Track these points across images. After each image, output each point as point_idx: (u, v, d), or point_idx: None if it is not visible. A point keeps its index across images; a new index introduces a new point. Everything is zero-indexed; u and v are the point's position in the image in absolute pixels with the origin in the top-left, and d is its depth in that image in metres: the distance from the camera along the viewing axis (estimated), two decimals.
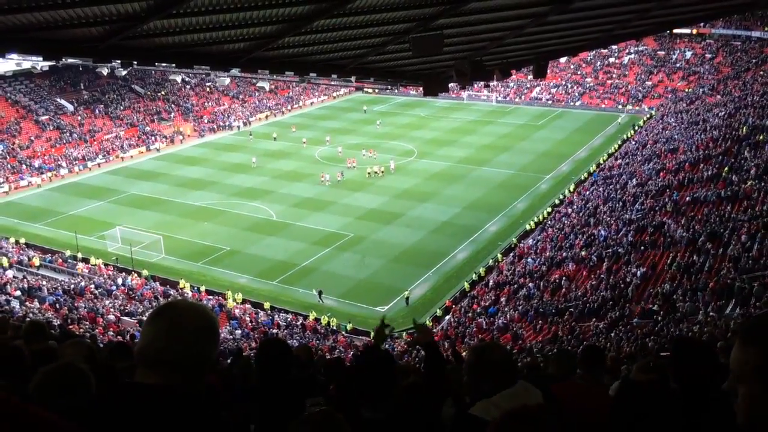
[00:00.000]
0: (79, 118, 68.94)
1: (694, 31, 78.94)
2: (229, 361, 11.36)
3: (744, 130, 44.05)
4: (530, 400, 2.89)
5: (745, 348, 1.60)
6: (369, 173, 53.27)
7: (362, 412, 3.37)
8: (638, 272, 29.63)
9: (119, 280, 36.24)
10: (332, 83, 74.27)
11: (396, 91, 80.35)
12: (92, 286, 34.73)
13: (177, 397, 1.83)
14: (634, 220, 36.23)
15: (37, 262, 38.64)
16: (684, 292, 25.66)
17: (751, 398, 1.55)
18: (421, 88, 17.26)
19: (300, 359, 5.88)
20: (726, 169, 38.14)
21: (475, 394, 3.23)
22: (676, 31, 75.00)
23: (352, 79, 17.40)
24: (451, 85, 17.52)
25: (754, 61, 69.84)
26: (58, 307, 30.80)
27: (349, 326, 32.26)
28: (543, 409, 1.78)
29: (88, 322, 28.39)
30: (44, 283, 34.57)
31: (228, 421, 2.05)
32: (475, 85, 67.12)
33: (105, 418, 1.80)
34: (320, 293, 35.02)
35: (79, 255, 39.73)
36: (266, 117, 78.16)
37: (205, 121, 74.09)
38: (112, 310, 31.37)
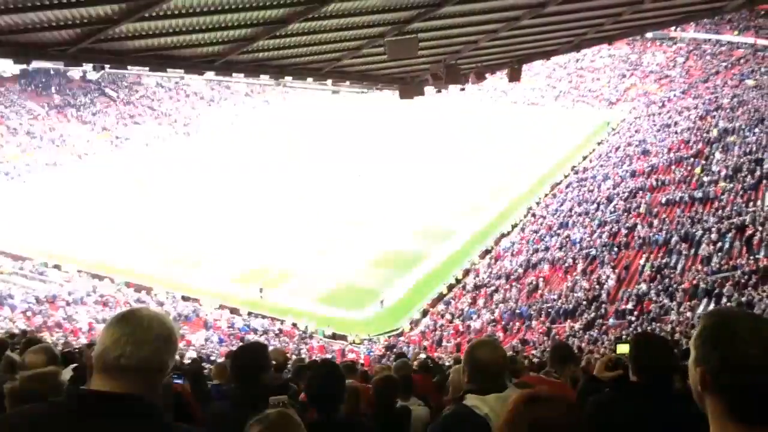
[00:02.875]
0: (51, 122, 67.91)
1: (666, 35, 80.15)
2: (207, 368, 11.28)
3: (715, 132, 44.85)
4: None
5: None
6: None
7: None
8: (612, 273, 30.01)
9: (90, 287, 35.73)
10: (308, 87, 74.02)
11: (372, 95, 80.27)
12: (65, 293, 34.20)
13: (134, 405, 1.82)
14: (608, 221, 36.66)
15: (8, 268, 37.94)
16: (657, 292, 26.03)
17: None
18: (396, 92, 17.29)
19: (276, 364, 5.85)
20: (698, 170, 38.79)
21: (468, 389, 3.29)
22: (647, 35, 76.10)
23: (328, 82, 17.38)
24: (426, 88, 17.61)
25: (724, 64, 71.11)
26: (29, 314, 30.28)
27: (326, 331, 32.14)
28: (562, 396, 1.79)
29: (60, 330, 27.96)
30: (15, 290, 33.95)
31: (185, 429, 2.03)
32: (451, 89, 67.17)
33: (62, 427, 1.76)
34: (261, 290, 35.43)
35: (51, 262, 39.09)
36: None
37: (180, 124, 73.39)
38: (85, 316, 30.91)
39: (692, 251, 28.99)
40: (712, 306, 22.80)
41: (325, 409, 3.68)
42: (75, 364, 4.88)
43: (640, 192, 39.77)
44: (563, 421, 1.64)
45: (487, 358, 3.26)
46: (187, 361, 15.15)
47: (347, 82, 17.55)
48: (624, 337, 20.10)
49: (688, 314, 22.57)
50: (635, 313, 25.00)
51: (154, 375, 1.92)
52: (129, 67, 10.83)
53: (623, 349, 4.96)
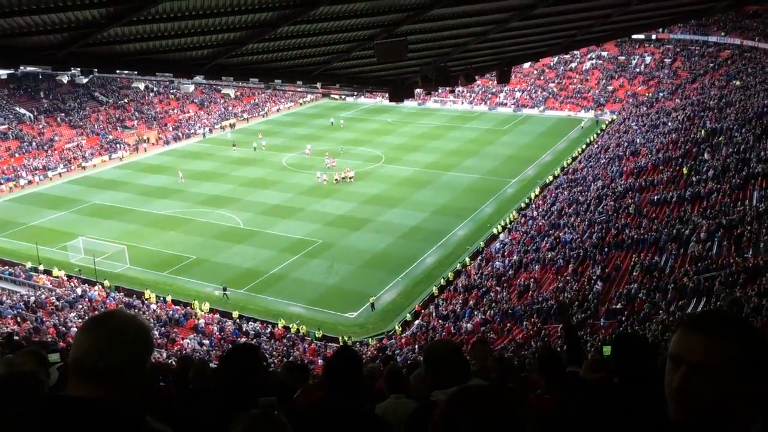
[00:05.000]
0: (40, 126, 67.50)
1: (654, 36, 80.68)
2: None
3: (702, 133, 45.16)
4: None
5: (720, 342, 1.60)
6: (337, 179, 53.29)
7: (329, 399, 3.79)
8: (603, 273, 30.11)
9: (78, 291, 35.51)
10: (298, 90, 74.02)
11: (362, 98, 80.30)
12: (53, 298, 33.99)
13: (112, 409, 1.81)
14: (598, 222, 36.81)
15: None
16: (647, 292, 26.14)
17: (720, 392, 1.58)
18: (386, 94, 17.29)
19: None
20: (685, 170, 39.03)
21: (432, 386, 3.47)
22: (635, 36, 76.53)
23: (318, 85, 17.40)
24: (417, 90, 17.64)
25: (711, 65, 71.66)
26: (19, 320, 30.08)
27: (318, 333, 32.09)
28: (497, 388, 1.76)
29: (50, 336, 27.78)
30: (5, 296, 33.73)
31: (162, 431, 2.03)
32: (441, 91, 67.49)
33: None
34: (225, 288, 35.59)
35: (41, 267, 38.84)
36: (247, 121, 78.12)
37: (170, 128, 73.13)
38: (75, 321, 30.72)
39: (681, 251, 29.16)
40: (702, 305, 22.95)
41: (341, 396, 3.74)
42: (60, 362, 4.88)
43: (630, 192, 39.98)
44: (499, 414, 1.63)
45: (443, 354, 3.52)
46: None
47: (337, 85, 17.57)
48: (611, 338, 20.19)
49: (678, 314, 22.68)
50: (625, 312, 25.11)
51: (133, 377, 1.91)
52: (118, 71, 10.83)
53: (609, 350, 4.94)
